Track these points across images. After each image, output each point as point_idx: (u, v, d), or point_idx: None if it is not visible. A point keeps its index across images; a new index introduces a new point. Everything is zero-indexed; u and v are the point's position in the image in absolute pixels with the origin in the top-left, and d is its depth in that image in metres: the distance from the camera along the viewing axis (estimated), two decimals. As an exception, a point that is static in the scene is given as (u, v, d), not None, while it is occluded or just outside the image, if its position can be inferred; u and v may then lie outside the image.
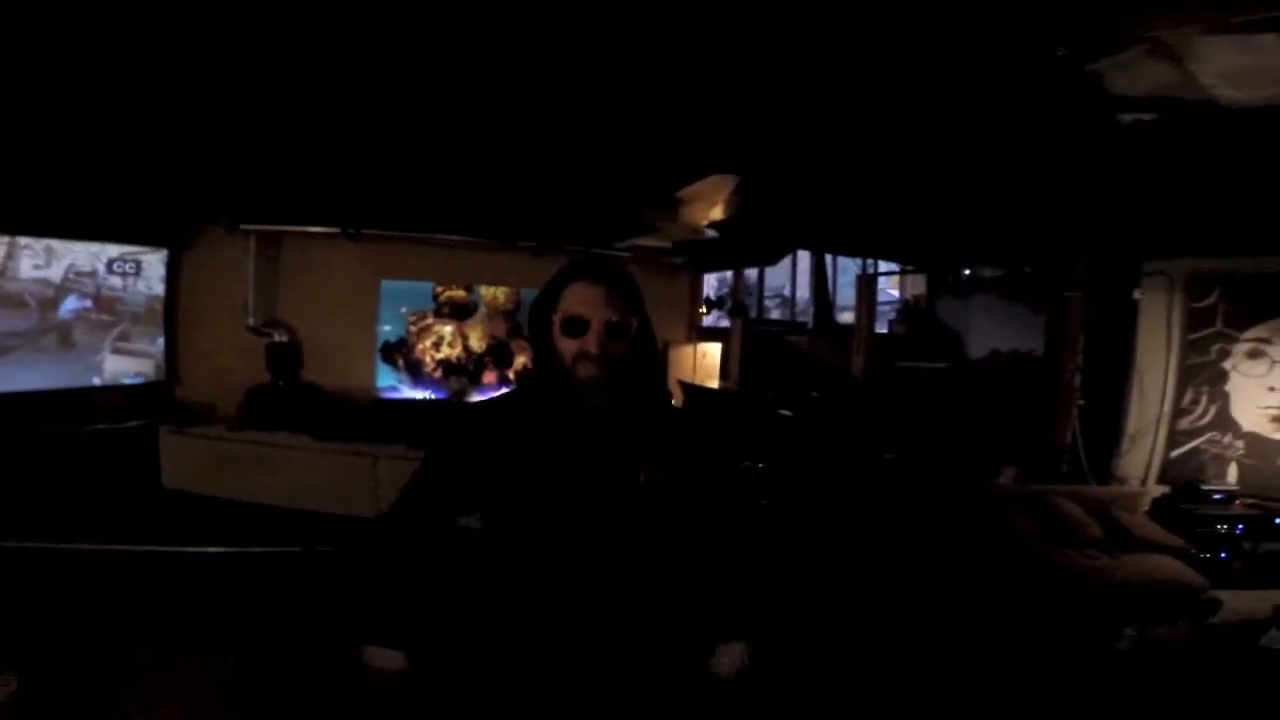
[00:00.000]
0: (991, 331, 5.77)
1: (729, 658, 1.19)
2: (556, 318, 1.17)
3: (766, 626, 1.26)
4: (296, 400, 5.59)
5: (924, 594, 3.13)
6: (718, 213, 5.17)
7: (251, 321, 5.66)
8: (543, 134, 3.61)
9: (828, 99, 3.02)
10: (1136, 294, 3.82)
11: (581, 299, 1.15)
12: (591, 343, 1.13)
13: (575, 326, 1.14)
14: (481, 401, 1.43)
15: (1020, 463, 4.19)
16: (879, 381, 6.36)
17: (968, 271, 6.57)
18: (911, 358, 6.18)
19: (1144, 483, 3.66)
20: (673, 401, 1.39)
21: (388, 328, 5.83)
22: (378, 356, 5.85)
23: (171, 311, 5.65)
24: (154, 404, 5.31)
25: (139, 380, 5.42)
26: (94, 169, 4.26)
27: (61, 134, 3.62)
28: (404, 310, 5.81)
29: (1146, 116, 2.45)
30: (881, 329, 6.91)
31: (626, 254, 5.83)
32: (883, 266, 6.66)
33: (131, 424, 4.81)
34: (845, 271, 7.00)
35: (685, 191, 4.68)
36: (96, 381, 5.20)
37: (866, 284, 6.33)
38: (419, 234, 5.50)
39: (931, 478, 4.53)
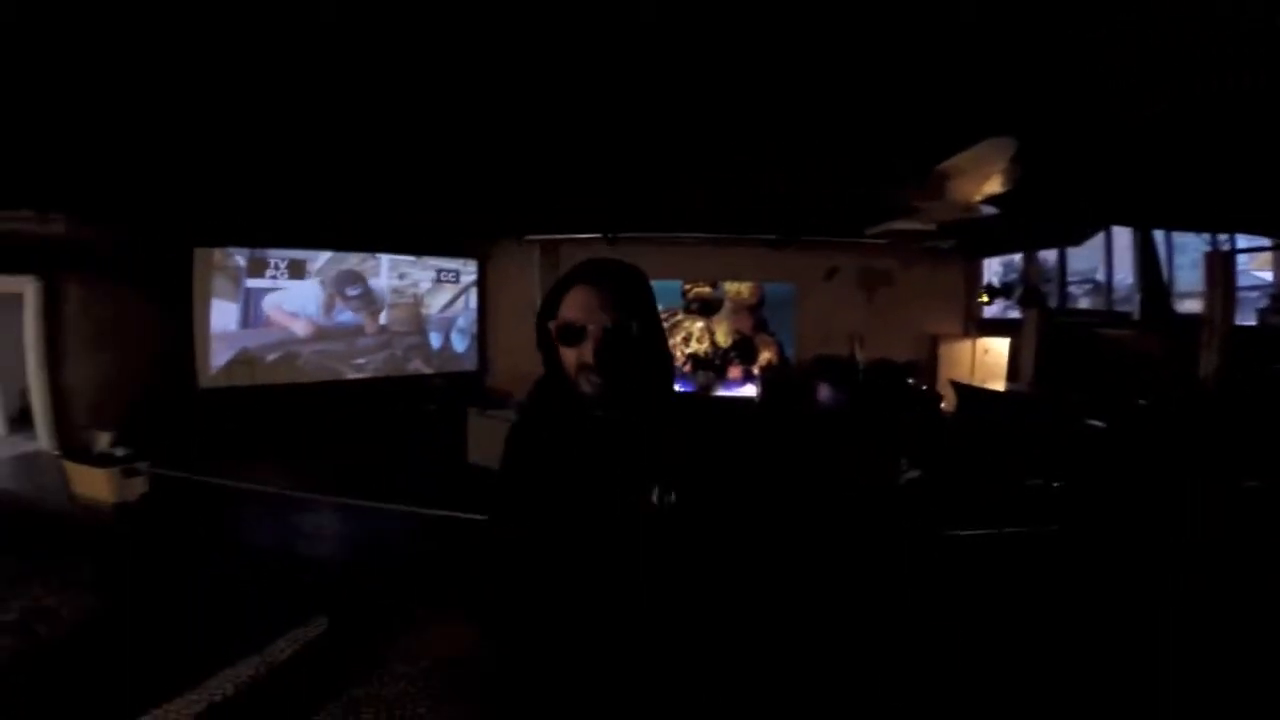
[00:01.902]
0: None
1: None
2: (554, 325, 1.09)
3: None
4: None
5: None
6: (994, 185, 4.43)
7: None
8: (779, 119, 3.50)
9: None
10: None
11: (578, 304, 1.07)
12: (588, 351, 1.05)
13: (571, 334, 1.07)
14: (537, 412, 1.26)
15: None
16: (1242, 387, 4.85)
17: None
18: (1296, 358, 4.56)
19: None
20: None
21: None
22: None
23: (483, 313, 6.85)
24: (469, 390, 6.48)
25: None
26: (419, 194, 5.17)
27: (392, 161, 4.35)
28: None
29: None
30: (1246, 321, 5.21)
31: (880, 241, 5.35)
32: (1242, 242, 4.98)
33: (450, 405, 5.98)
34: (1184, 250, 5.41)
35: (950, 164, 4.10)
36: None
37: (1221, 264, 4.82)
38: (666, 234, 5.77)
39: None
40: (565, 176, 4.72)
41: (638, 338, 1.08)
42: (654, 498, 1.07)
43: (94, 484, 3.79)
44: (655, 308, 1.13)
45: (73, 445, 4.35)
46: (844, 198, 4.69)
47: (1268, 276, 5.31)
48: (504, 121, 3.56)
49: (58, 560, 2.84)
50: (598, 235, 5.99)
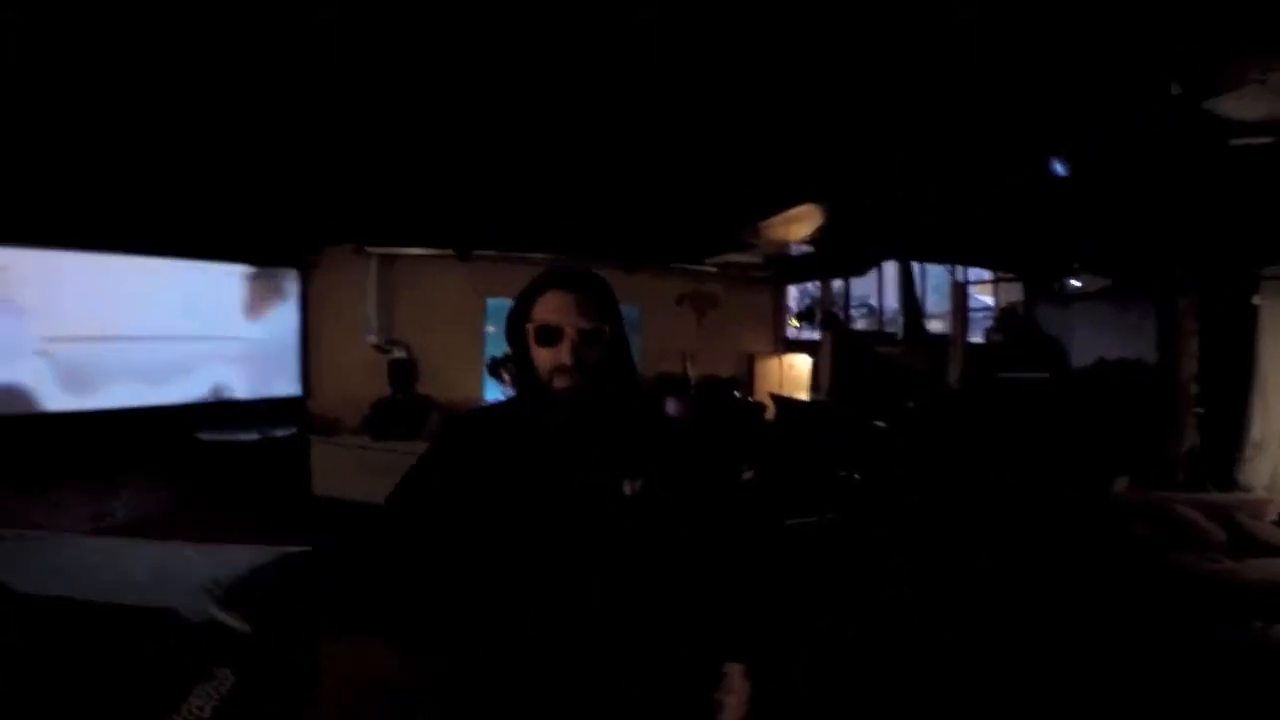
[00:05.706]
0: (1097, 339, 5.58)
1: (731, 692, 1.13)
2: (531, 327, 1.17)
3: (772, 646, 1.21)
4: (413, 411, 6.06)
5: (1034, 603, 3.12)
6: (805, 234, 5.31)
7: (374, 339, 6.19)
8: (632, 156, 3.83)
9: (924, 110, 3.11)
10: (1256, 300, 3.70)
11: (553, 307, 1.15)
12: (565, 352, 1.13)
13: (549, 335, 1.15)
14: (471, 412, 1.43)
15: (1133, 473, 4.08)
16: (978, 392, 6.25)
17: (1076, 283, 6.37)
18: (1011, 368, 6.05)
19: (1269, 491, 3.52)
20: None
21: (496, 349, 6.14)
22: (485, 371, 6.25)
23: (304, 329, 6.21)
24: (293, 416, 5.86)
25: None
26: (228, 192, 4.64)
27: (197, 156, 3.97)
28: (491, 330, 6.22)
29: (1260, 140, 2.47)
30: (975, 338, 6.79)
31: (714, 270, 6.02)
32: (972, 275, 6.58)
33: (282, 433, 5.38)
34: (930, 278, 6.93)
35: (773, 220, 4.85)
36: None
37: (960, 291, 6.27)
38: (520, 254, 5.83)
39: (1039, 489, 4.43)
40: (414, 184, 4.56)
41: (609, 341, 1.17)
42: (628, 490, 1.16)
43: None
44: (621, 315, 1.22)
45: None
46: (689, 229, 5.24)
47: (990, 301, 6.99)
48: (346, 120, 3.41)
49: None
50: (447, 251, 5.89)
